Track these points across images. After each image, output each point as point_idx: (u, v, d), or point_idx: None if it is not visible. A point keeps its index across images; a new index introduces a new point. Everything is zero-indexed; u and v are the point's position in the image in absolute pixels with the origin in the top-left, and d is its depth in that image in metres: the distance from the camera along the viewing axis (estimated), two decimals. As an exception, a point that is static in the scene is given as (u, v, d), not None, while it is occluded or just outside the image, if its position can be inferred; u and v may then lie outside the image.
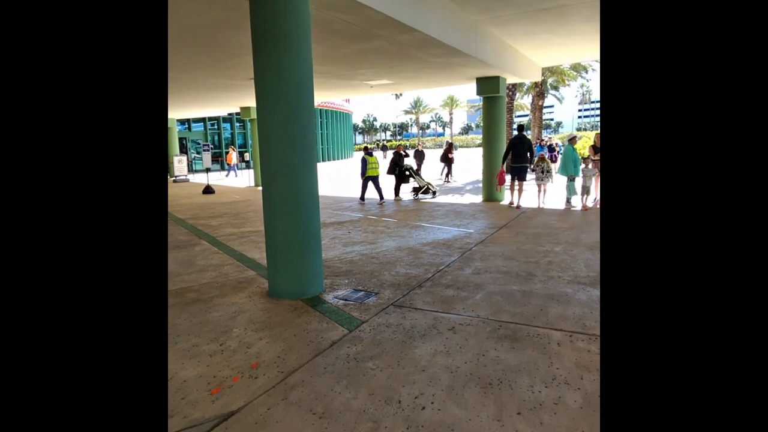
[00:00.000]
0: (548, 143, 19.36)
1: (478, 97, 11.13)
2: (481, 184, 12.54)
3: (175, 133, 22.98)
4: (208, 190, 14.70)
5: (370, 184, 11.00)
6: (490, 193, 10.85)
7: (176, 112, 20.27)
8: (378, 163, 11.17)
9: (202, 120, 26.90)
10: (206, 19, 5.28)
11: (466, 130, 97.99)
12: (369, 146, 11.73)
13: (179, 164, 20.08)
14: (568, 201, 9.48)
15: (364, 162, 10.98)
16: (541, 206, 9.59)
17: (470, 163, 24.55)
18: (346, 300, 4.20)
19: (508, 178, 9.80)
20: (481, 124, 11.38)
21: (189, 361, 3.09)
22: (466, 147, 55.00)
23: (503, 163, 9.92)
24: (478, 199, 11.25)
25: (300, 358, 3.07)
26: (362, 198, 11.20)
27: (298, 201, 4.18)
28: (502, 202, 10.48)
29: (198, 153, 24.72)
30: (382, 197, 10.95)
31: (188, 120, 26.20)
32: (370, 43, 6.57)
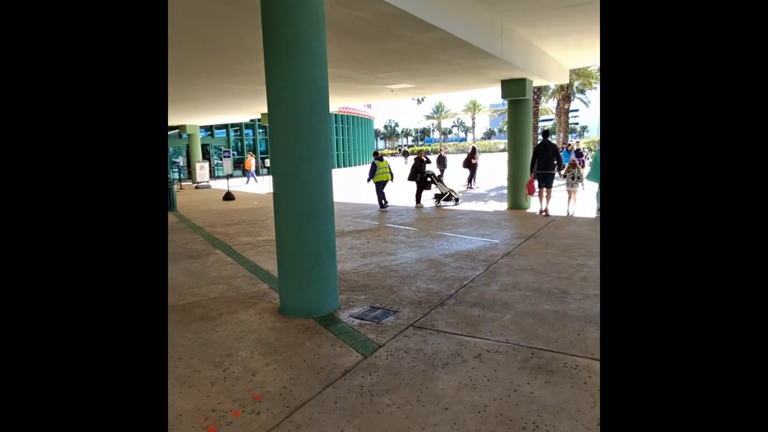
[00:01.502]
0: (575, 148, 18.73)
1: (501, 101, 10.74)
2: (505, 191, 12.10)
3: (197, 139, 23.15)
4: (228, 196, 14.63)
5: (378, 188, 10.85)
6: (516, 200, 10.40)
7: (199, 119, 20.40)
8: (388, 169, 10.92)
9: (225, 126, 27.09)
10: (218, 20, 5.07)
11: (489, 135, 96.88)
12: (379, 151, 11.55)
13: (201, 171, 20.15)
14: (599, 209, 8.97)
15: (373, 167, 10.80)
16: (570, 214, 9.11)
17: (494, 169, 24.02)
18: (362, 319, 3.87)
19: (537, 185, 9.37)
20: (504, 129, 11.03)
21: (188, 389, 2.81)
22: (489, 152, 54.23)
23: (531, 172, 9.49)
24: (503, 206, 10.81)
25: (308, 389, 2.76)
26: (381, 205, 10.94)
27: (310, 211, 3.88)
28: (528, 210, 10.03)
29: (220, 159, 24.87)
30: (384, 204, 10.81)
31: (211, 127, 26.42)
32: (389, 44, 6.27)
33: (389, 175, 10.87)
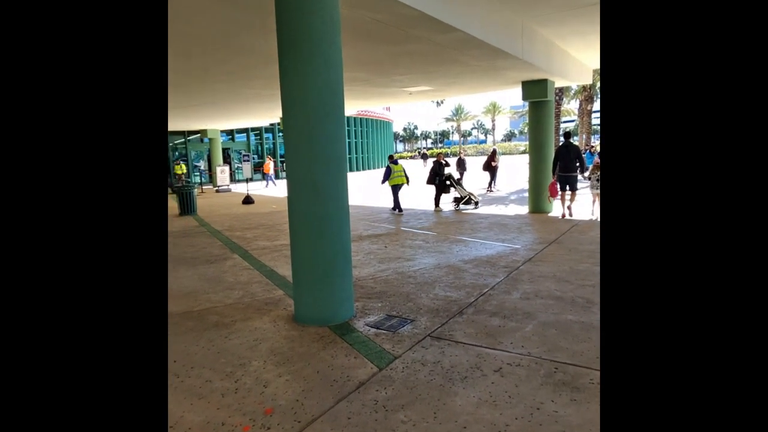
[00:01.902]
0: (598, 149, 18.30)
1: (521, 102, 10.52)
2: (526, 194, 11.85)
3: (218, 143, 23.42)
4: (247, 200, 14.71)
5: (393, 191, 10.85)
6: (537, 204, 10.16)
7: (219, 123, 20.64)
8: (404, 172, 10.93)
9: (245, 130, 27.37)
10: (234, 25, 5.04)
11: (509, 136, 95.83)
12: (395, 154, 11.57)
13: (222, 174, 20.35)
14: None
15: (388, 170, 10.80)
16: (595, 218, 8.84)
17: (515, 171, 23.66)
18: (378, 328, 3.76)
19: (559, 187, 9.12)
20: (525, 131, 10.81)
21: (198, 401, 2.74)
22: (509, 154, 53.54)
23: (553, 174, 9.26)
24: (524, 210, 10.57)
25: (321, 403, 2.66)
26: (397, 209, 10.92)
27: (325, 217, 3.80)
28: (550, 214, 9.78)
29: (241, 163, 25.10)
30: (397, 207, 10.81)
31: (232, 131, 26.72)
32: (406, 46, 6.16)
33: (404, 178, 10.86)
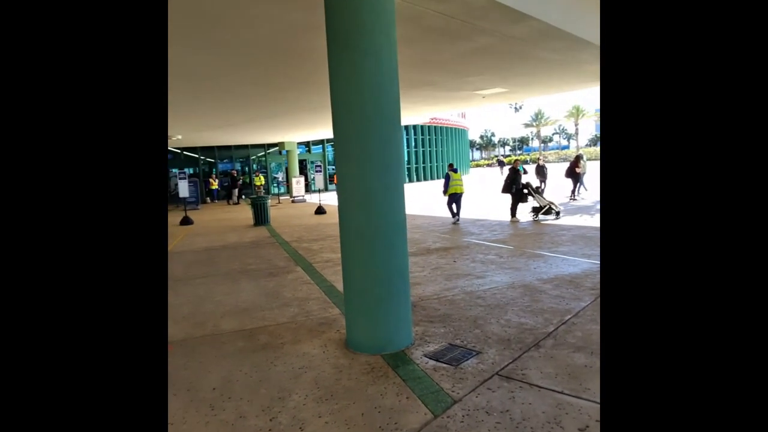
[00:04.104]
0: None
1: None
2: (616, 203, 10.68)
3: (294, 155, 24.11)
4: (319, 210, 14.82)
5: (453, 201, 10.67)
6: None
7: (295, 135, 21.22)
8: (462, 180, 10.80)
9: (321, 142, 27.99)
10: (291, 28, 4.84)
11: (594, 141, 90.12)
12: (453, 164, 11.48)
13: (297, 185, 20.85)
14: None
15: (447, 178, 10.65)
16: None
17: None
18: (438, 360, 3.27)
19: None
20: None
21: (227, 442, 2.43)
22: (595, 159, 50.09)
23: None
24: (613, 220, 9.47)
25: (360, 457, 2.22)
26: (453, 215, 10.75)
27: (378, 232, 3.39)
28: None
29: (315, 174, 25.67)
30: (458, 217, 10.65)
31: (308, 142, 27.45)
32: (475, 42, 5.62)
33: (462, 187, 10.71)
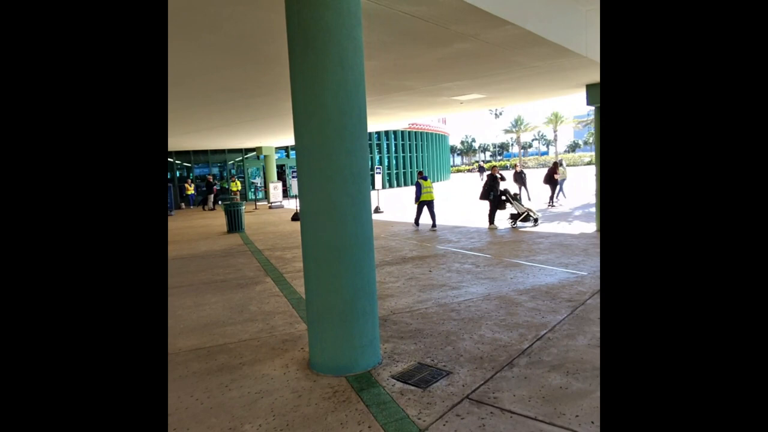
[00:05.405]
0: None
1: (586, 111, 9.49)
2: (593, 209, 10.68)
3: (272, 160, 23.70)
4: (296, 217, 14.51)
5: (425, 209, 10.74)
6: (606, 221, 9.01)
7: (272, 140, 20.86)
8: (432, 188, 10.91)
9: (300, 147, 27.58)
10: (268, 32, 4.60)
11: (573, 147, 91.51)
12: (422, 171, 11.64)
13: (275, 190, 20.46)
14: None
15: (418, 186, 10.72)
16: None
17: (579, 184, 22.03)
18: (405, 382, 3.06)
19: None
20: (590, 141, 9.71)
21: (165, 484, 2.17)
22: (574, 166, 50.66)
23: None
24: (591, 227, 9.44)
25: (312, 501, 1.99)
26: (416, 222, 11.06)
27: (343, 246, 3.17)
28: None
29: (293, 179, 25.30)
30: (435, 224, 10.59)
31: (287, 147, 27.06)
32: (452, 46, 5.47)
33: (432, 194, 10.76)
